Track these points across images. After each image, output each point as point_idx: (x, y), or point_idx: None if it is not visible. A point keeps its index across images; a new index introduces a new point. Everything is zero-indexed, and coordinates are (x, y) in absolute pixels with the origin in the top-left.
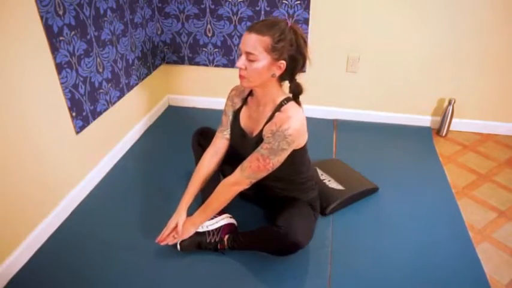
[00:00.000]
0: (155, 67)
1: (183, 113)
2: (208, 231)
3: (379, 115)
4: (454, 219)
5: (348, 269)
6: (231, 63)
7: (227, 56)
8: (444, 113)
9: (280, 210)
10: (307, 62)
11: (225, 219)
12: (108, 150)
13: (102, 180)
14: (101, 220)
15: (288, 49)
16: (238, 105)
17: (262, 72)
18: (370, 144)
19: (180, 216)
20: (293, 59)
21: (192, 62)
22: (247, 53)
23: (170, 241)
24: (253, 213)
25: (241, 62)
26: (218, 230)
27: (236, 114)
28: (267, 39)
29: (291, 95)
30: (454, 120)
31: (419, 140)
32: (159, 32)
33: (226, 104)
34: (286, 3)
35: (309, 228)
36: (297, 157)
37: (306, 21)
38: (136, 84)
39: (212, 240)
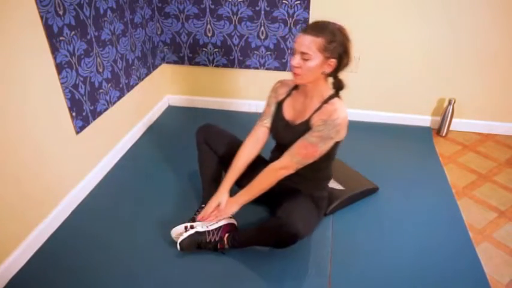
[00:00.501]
0: (155, 67)
1: (183, 113)
2: (208, 231)
3: (379, 115)
4: (454, 219)
5: (348, 269)
6: (231, 64)
7: (227, 56)
8: (444, 113)
9: (282, 202)
10: (351, 60)
11: (225, 219)
12: (108, 150)
13: (102, 180)
14: (101, 220)
15: (337, 49)
16: (282, 97)
17: (315, 70)
18: (370, 144)
19: (222, 196)
20: (341, 58)
21: (192, 62)
22: (302, 53)
23: (212, 219)
24: (253, 214)
25: (296, 60)
26: (218, 229)
27: (279, 105)
28: (320, 40)
29: (334, 91)
30: (454, 120)
31: (420, 140)
32: (159, 32)
33: (270, 96)
34: (286, 3)
35: (308, 219)
36: (331, 150)
37: (306, 21)
38: (136, 84)
39: (212, 240)
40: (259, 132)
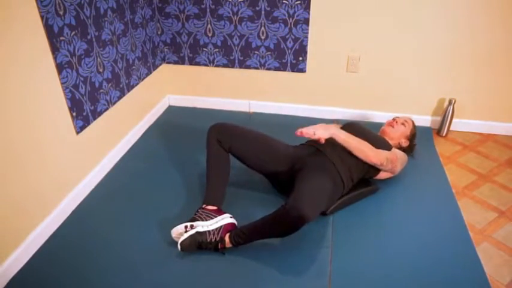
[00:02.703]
0: (155, 67)
1: (183, 113)
2: (209, 231)
3: (380, 115)
4: (454, 220)
5: (348, 269)
6: (231, 64)
7: (227, 56)
8: (444, 113)
9: (295, 185)
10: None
11: (226, 219)
12: (108, 150)
13: (103, 180)
14: (101, 220)
15: (412, 138)
16: None
17: (401, 137)
18: None
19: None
20: (411, 142)
21: (193, 62)
22: (405, 121)
23: (309, 132)
24: (252, 214)
25: (402, 119)
26: (219, 229)
27: None
28: (412, 128)
29: None
30: (454, 120)
31: (420, 140)
32: (159, 32)
33: None
34: (286, 3)
35: (316, 201)
36: (371, 170)
37: (306, 21)
38: (137, 84)
39: (213, 240)
40: None
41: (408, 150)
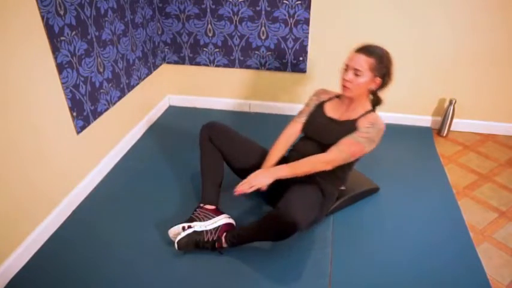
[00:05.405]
0: (156, 67)
1: (184, 113)
2: (206, 231)
3: (380, 115)
4: (454, 220)
5: (349, 269)
6: (231, 64)
7: (228, 56)
8: (445, 113)
9: (284, 195)
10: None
11: (223, 219)
12: (108, 150)
13: (103, 180)
14: (101, 220)
15: (383, 70)
16: (323, 100)
17: (364, 86)
18: None
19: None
20: (384, 77)
21: (193, 62)
22: (355, 69)
23: (245, 189)
24: (251, 214)
25: (349, 76)
26: (216, 229)
27: (320, 105)
28: (371, 60)
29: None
30: (454, 120)
31: (420, 140)
32: (159, 32)
33: (310, 99)
34: (286, 4)
35: (308, 210)
36: (347, 164)
37: (307, 21)
38: (137, 84)
39: (210, 239)
40: (295, 127)
41: (379, 97)
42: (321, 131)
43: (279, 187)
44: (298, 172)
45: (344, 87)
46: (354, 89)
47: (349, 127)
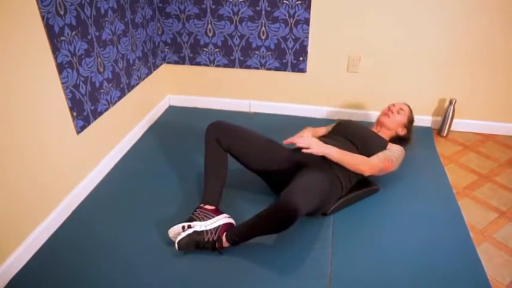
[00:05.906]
0: (156, 67)
1: (184, 113)
2: (207, 230)
3: None
4: (454, 220)
5: (349, 269)
6: (231, 64)
7: (228, 56)
8: (445, 113)
9: (290, 182)
10: (408, 137)
11: (223, 219)
12: (108, 150)
13: (103, 180)
14: (102, 220)
15: (410, 126)
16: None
17: (398, 123)
18: None
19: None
20: (408, 132)
21: (193, 62)
22: (400, 109)
23: (295, 141)
24: (249, 215)
25: (396, 107)
26: (216, 229)
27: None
28: (410, 113)
29: None
30: (454, 120)
31: (420, 140)
32: (159, 32)
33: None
34: (287, 4)
35: (310, 194)
36: None
37: (307, 21)
38: (137, 84)
39: (210, 239)
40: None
41: (405, 139)
42: (356, 129)
43: (288, 178)
44: (345, 159)
45: (388, 113)
46: (392, 119)
47: (381, 141)
